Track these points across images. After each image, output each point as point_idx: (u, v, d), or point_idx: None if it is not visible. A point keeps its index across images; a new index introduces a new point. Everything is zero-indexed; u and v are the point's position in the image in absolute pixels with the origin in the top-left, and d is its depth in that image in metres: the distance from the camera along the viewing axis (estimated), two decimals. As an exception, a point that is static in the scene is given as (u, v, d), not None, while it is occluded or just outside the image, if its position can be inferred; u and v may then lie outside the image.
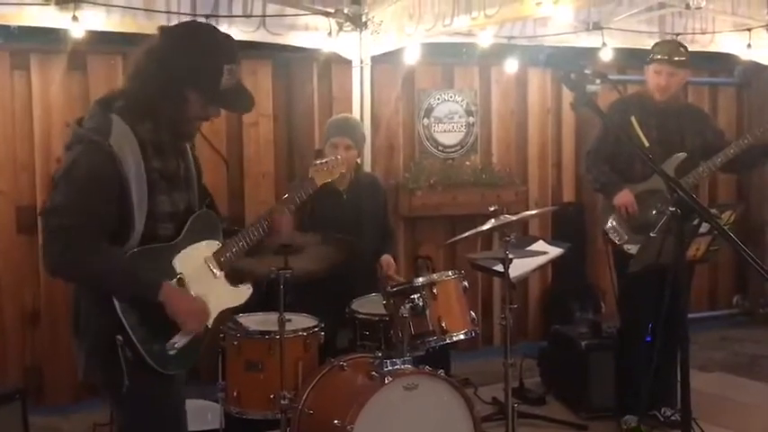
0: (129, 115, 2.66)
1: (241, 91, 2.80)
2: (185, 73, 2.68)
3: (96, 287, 2.65)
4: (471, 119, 6.70)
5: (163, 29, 2.78)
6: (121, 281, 2.64)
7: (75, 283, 2.74)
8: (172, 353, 2.71)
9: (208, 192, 3.04)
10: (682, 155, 4.76)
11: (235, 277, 3.02)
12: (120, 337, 2.60)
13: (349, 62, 5.79)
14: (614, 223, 4.85)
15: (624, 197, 4.78)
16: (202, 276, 2.86)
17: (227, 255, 2.95)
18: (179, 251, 2.77)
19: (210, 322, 2.88)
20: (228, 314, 3.44)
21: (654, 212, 4.65)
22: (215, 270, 2.91)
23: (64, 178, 2.60)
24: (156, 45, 2.71)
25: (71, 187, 2.58)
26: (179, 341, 2.74)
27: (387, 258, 4.76)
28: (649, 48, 6.02)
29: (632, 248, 4.70)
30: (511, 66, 6.45)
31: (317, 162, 3.54)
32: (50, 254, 2.60)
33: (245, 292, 3.07)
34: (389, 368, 3.66)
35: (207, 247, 2.89)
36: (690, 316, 4.77)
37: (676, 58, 4.75)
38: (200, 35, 2.78)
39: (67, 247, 2.57)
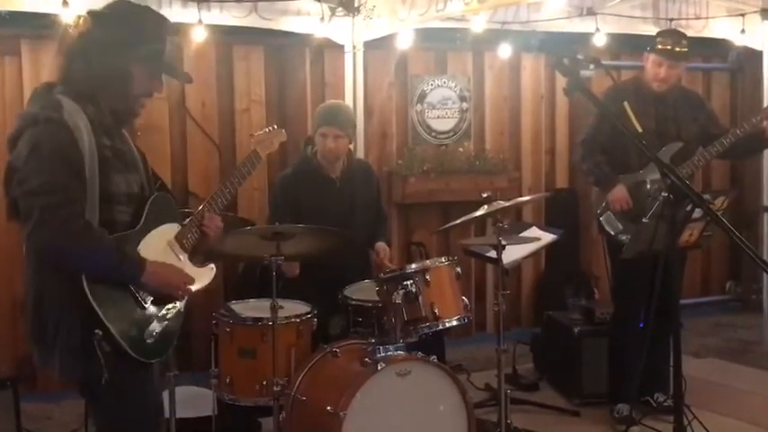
0: (72, 97, 2.63)
1: (177, 65, 2.87)
2: (130, 48, 2.69)
3: (82, 268, 2.57)
4: (464, 105, 6.69)
5: (93, 12, 2.75)
6: (110, 261, 2.60)
7: (63, 264, 2.60)
8: (150, 341, 2.70)
9: (158, 175, 3.03)
10: (678, 143, 4.73)
11: (198, 258, 3.01)
12: (99, 332, 2.56)
13: (341, 47, 5.77)
14: (609, 214, 4.82)
15: (618, 193, 4.73)
16: (168, 261, 2.84)
17: (189, 237, 2.94)
18: (142, 237, 2.75)
19: (182, 306, 2.86)
20: (209, 296, 3.38)
21: (648, 199, 4.64)
22: (179, 254, 2.90)
23: (32, 160, 2.54)
24: (91, 27, 2.70)
25: (44, 167, 2.53)
26: (173, 308, 2.78)
27: (382, 246, 4.74)
28: (643, 33, 6.03)
29: (627, 238, 4.69)
30: (504, 51, 6.42)
31: (257, 134, 3.51)
32: (42, 235, 2.52)
33: (209, 272, 3.05)
34: (382, 354, 3.67)
35: (168, 231, 2.88)
36: (682, 302, 4.80)
37: (678, 49, 4.68)
38: (138, 11, 2.79)
39: (63, 224, 2.51)
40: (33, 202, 2.53)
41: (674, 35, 4.81)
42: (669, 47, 4.69)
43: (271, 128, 3.56)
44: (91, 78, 2.67)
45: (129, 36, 2.69)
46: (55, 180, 2.52)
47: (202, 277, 3.01)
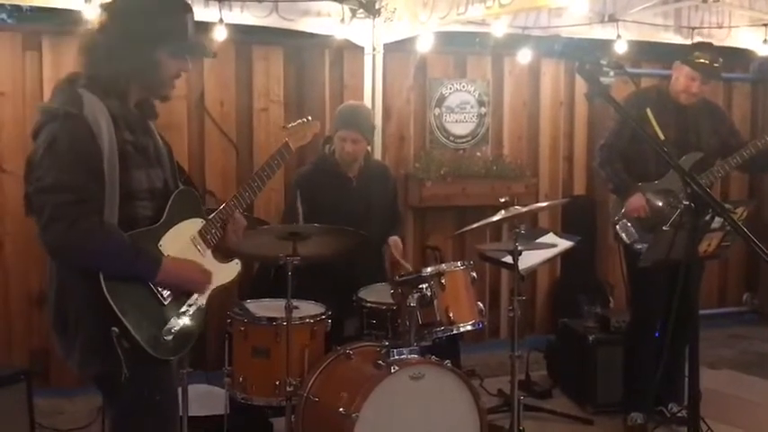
0: (95, 91, 2.62)
1: (199, 38, 2.86)
2: (154, 35, 2.68)
3: (96, 266, 2.56)
4: (483, 109, 6.67)
5: (106, 5, 2.74)
6: (125, 257, 2.59)
7: (76, 262, 2.61)
8: (168, 338, 2.68)
9: (183, 169, 3.01)
10: (698, 154, 4.69)
11: (223, 254, 2.99)
12: (115, 329, 2.55)
13: (361, 49, 5.77)
14: (625, 222, 4.78)
15: (636, 202, 4.68)
16: (190, 256, 2.83)
17: (214, 232, 2.92)
18: (164, 233, 2.74)
19: (204, 302, 2.85)
20: (223, 295, 3.32)
21: (667, 208, 4.60)
22: (202, 249, 2.88)
23: (47, 157, 2.53)
24: (109, 20, 2.69)
25: (59, 164, 2.52)
26: (193, 305, 2.77)
27: (394, 239, 4.73)
28: (664, 42, 5.99)
29: (643, 247, 4.65)
30: (524, 57, 6.40)
31: (289, 126, 3.45)
32: (54, 232, 2.51)
33: (234, 268, 3.03)
34: (396, 357, 3.66)
35: (191, 226, 2.86)
36: (699, 313, 4.75)
37: (716, 65, 4.61)
38: None
39: (74, 223, 2.50)
40: (46, 200, 2.52)
41: (712, 50, 4.71)
42: (707, 62, 4.60)
43: (304, 119, 3.49)
44: (120, 73, 2.66)
45: (150, 23, 2.68)
46: (69, 178, 2.51)
47: (227, 273, 2.99)
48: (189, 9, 2.79)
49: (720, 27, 6.24)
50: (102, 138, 2.56)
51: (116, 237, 2.58)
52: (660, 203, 4.68)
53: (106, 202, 2.58)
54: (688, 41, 5.95)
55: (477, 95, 6.64)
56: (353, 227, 4.09)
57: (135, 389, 2.65)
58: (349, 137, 4.64)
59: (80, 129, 2.54)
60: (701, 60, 4.60)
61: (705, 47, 4.79)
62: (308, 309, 4.18)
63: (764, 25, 6.14)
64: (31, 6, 4.89)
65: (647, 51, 6.72)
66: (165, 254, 2.73)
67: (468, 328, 3.98)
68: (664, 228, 4.26)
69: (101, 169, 2.56)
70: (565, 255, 5.19)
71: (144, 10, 2.70)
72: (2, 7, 4.96)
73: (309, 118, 3.51)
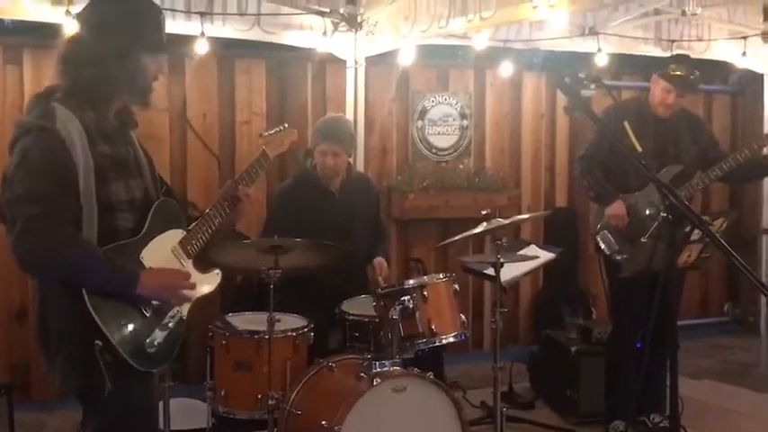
0: (70, 104, 2.62)
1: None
2: (132, 40, 2.69)
3: (71, 280, 2.55)
4: (465, 122, 6.69)
5: (79, 15, 2.75)
6: (100, 272, 2.57)
7: (49, 275, 2.62)
8: (151, 350, 2.67)
9: (163, 180, 3.00)
10: (678, 167, 4.72)
11: (204, 264, 2.98)
12: (99, 342, 2.54)
13: (343, 62, 5.78)
14: (606, 233, 4.81)
15: (616, 209, 4.70)
16: (170, 267, 2.83)
17: (194, 243, 2.91)
18: (145, 245, 2.73)
19: (185, 313, 2.84)
20: (205, 308, 3.31)
21: (647, 220, 4.63)
22: (183, 260, 2.87)
23: (20, 169, 2.53)
24: (85, 29, 2.70)
25: (32, 176, 2.52)
26: (175, 316, 2.76)
27: (379, 261, 4.74)
28: (644, 54, 6.03)
29: (623, 258, 4.67)
30: (506, 69, 6.44)
31: (267, 133, 3.44)
32: (26, 244, 2.51)
33: (215, 278, 3.03)
34: (378, 370, 3.65)
35: (172, 237, 2.85)
36: (680, 323, 4.79)
37: (691, 78, 4.64)
38: (124, 1, 2.79)
39: (47, 235, 2.49)
40: (18, 212, 2.51)
41: (688, 62, 4.74)
42: (683, 75, 4.63)
43: (281, 127, 3.48)
44: (103, 81, 2.66)
45: (127, 28, 2.68)
46: (41, 190, 2.51)
47: (207, 282, 2.98)
48: (161, 11, 2.83)
49: (700, 40, 6.30)
50: (75, 151, 2.55)
51: (90, 251, 2.57)
52: (640, 214, 4.71)
53: (84, 216, 2.57)
54: (668, 54, 6.00)
55: (459, 108, 6.67)
56: (337, 240, 4.09)
57: (117, 402, 2.63)
58: (330, 151, 4.65)
59: (53, 142, 2.54)
60: (677, 73, 4.64)
61: (681, 59, 4.83)
62: (291, 322, 4.17)
63: (743, 38, 6.21)
64: (12, 20, 4.87)
65: (628, 64, 6.77)
66: (147, 266, 2.71)
67: (451, 339, 4.00)
68: (642, 239, 4.29)
69: (74, 182, 2.55)
70: (547, 266, 5.22)
71: (119, 16, 2.70)
72: (-18, 21, 4.96)
73: (286, 125, 3.49)
